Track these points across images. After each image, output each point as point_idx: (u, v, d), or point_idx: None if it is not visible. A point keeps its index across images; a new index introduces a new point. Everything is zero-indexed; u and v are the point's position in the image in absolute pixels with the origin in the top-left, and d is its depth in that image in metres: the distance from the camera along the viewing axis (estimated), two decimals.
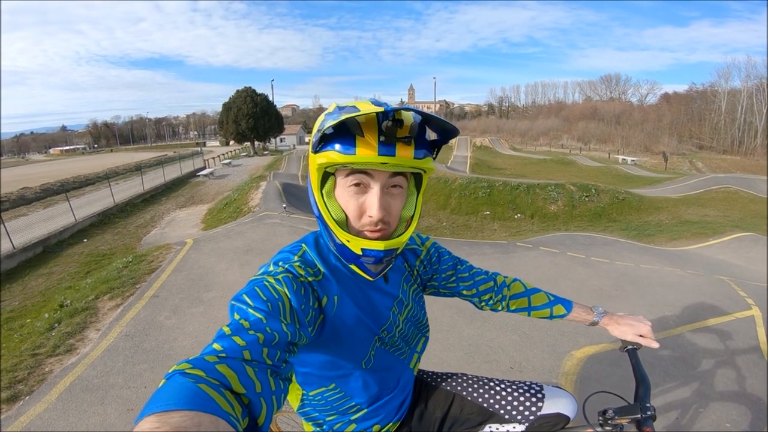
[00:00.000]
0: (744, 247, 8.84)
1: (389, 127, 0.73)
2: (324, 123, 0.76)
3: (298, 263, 0.87)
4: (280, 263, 0.86)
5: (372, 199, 0.81)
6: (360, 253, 0.83)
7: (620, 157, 42.41)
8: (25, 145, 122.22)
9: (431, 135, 0.85)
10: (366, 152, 0.74)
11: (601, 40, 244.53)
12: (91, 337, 3.92)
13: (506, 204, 15.87)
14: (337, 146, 0.76)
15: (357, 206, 0.82)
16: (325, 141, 0.77)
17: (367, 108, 0.75)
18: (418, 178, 0.91)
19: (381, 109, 0.71)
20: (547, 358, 3.33)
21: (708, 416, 2.61)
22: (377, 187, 0.80)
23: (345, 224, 0.84)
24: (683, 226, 11.65)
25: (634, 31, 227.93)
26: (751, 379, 2.97)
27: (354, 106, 0.78)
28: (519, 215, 15.27)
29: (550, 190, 16.07)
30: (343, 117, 0.71)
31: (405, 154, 0.77)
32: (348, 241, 0.82)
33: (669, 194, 17.46)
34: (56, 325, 4.28)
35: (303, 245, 0.93)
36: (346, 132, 0.75)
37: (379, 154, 0.75)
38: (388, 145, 0.75)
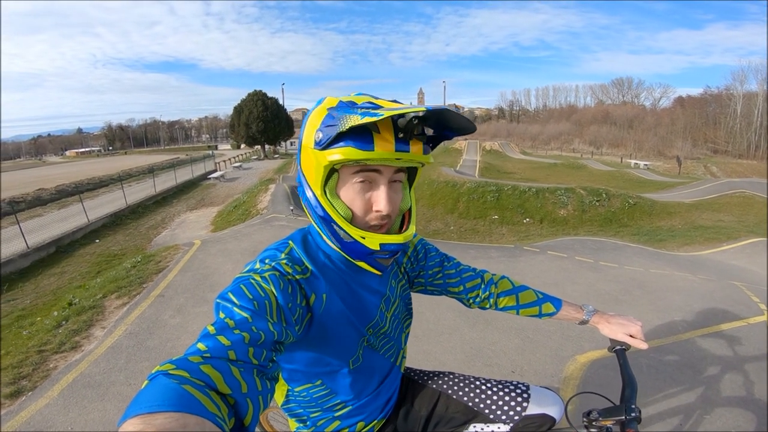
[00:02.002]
0: (759, 252, 8.63)
1: (409, 125, 0.74)
2: (342, 120, 0.73)
3: (285, 261, 0.85)
4: (267, 261, 0.85)
5: (380, 194, 0.81)
6: (378, 248, 0.83)
7: (633, 161, 41.83)
8: (42, 147, 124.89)
9: (428, 130, 0.85)
10: (384, 149, 0.74)
11: (613, 43, 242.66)
12: (96, 335, 3.96)
13: (515, 208, 15.76)
14: (354, 143, 0.74)
15: (364, 201, 0.82)
16: (338, 138, 0.75)
17: (390, 105, 0.76)
18: (412, 171, 0.92)
19: (423, 108, 0.70)
20: (549, 362, 3.28)
21: (713, 422, 2.54)
22: (385, 182, 0.81)
23: (350, 221, 0.83)
24: (696, 231, 11.44)
25: (648, 34, 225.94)
26: (759, 385, 2.90)
27: (375, 103, 0.77)
28: (528, 220, 15.15)
29: (559, 194, 15.92)
30: (387, 114, 0.69)
31: (417, 150, 0.78)
32: (363, 238, 0.82)
33: (682, 199, 17.17)
34: (64, 322, 4.34)
35: (290, 242, 0.92)
36: (362, 128, 0.74)
37: (396, 150, 0.75)
38: (404, 141, 0.76)
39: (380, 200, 0.81)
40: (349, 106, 0.77)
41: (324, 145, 0.76)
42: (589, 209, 15.22)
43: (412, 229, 0.89)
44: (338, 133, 0.73)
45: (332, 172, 0.81)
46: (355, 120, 0.70)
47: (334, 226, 0.82)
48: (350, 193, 0.82)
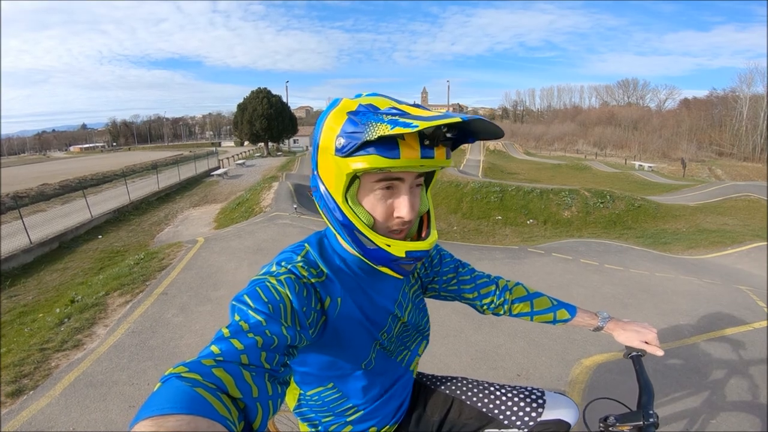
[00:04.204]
0: (764, 256, 8.58)
1: (442, 132, 0.73)
2: (368, 127, 0.70)
3: (301, 264, 0.85)
4: (283, 263, 0.84)
5: (403, 201, 0.79)
6: (404, 256, 0.81)
7: (637, 163, 41.74)
8: (47, 142, 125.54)
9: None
10: (409, 156, 0.72)
11: (620, 44, 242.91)
12: (98, 333, 3.95)
13: (519, 209, 15.72)
14: (378, 150, 0.71)
15: (386, 207, 0.80)
16: (362, 145, 0.72)
17: (416, 111, 0.72)
18: (429, 173, 0.90)
19: (458, 119, 0.66)
20: (555, 366, 3.26)
21: (718, 426, 2.54)
22: (407, 188, 0.79)
23: (372, 227, 0.82)
24: (701, 235, 11.38)
25: (655, 35, 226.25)
26: (764, 390, 2.88)
27: (403, 111, 0.73)
28: (531, 221, 15.10)
29: (564, 195, 15.87)
30: (422, 126, 0.65)
31: (441, 155, 0.76)
32: (389, 246, 0.80)
33: (687, 202, 17.09)
34: (66, 320, 4.32)
35: (306, 245, 0.91)
36: (387, 136, 0.71)
37: (421, 157, 0.73)
38: (430, 148, 0.74)
39: (402, 207, 0.79)
40: (372, 112, 0.73)
41: (347, 152, 0.73)
42: (593, 211, 15.16)
43: (434, 234, 0.88)
44: (363, 141, 0.71)
45: (353, 178, 0.78)
46: (384, 129, 0.67)
47: (356, 233, 0.80)
48: (372, 200, 0.80)
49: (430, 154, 0.74)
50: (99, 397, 2.90)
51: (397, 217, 0.80)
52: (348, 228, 0.81)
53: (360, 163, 0.72)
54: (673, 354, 3.40)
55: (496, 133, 0.78)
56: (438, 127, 0.70)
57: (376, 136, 0.68)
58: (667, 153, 54.57)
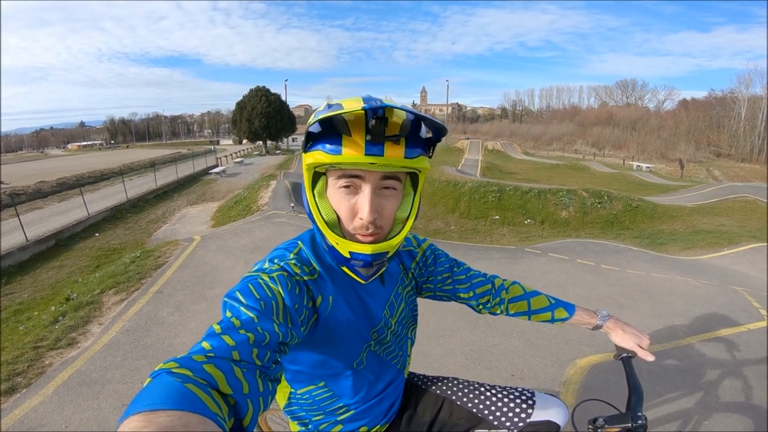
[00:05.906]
0: (760, 257, 8.58)
1: (375, 125, 0.71)
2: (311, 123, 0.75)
3: (293, 261, 0.85)
4: (276, 260, 0.85)
5: (363, 200, 0.78)
6: (348, 256, 0.81)
7: (635, 163, 41.80)
8: (45, 140, 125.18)
9: (426, 133, 0.81)
10: (353, 152, 0.72)
11: (620, 45, 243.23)
12: (93, 331, 3.94)
13: (516, 209, 15.72)
14: (325, 146, 0.73)
15: (348, 208, 0.79)
16: (313, 140, 0.75)
17: (351, 106, 0.71)
18: (414, 178, 0.88)
19: (361, 105, 0.68)
20: (549, 366, 3.26)
21: (711, 427, 2.54)
22: (368, 189, 0.78)
23: (337, 225, 0.81)
24: (698, 236, 11.39)
25: (655, 36, 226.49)
26: (758, 391, 2.89)
27: (339, 104, 0.74)
28: (529, 221, 15.11)
29: (561, 195, 15.87)
30: (326, 115, 0.69)
31: (394, 153, 0.74)
32: (337, 244, 0.81)
33: (684, 203, 17.12)
34: (61, 318, 4.31)
35: (299, 243, 0.92)
36: (333, 131, 0.73)
37: (366, 154, 0.72)
38: (375, 144, 0.72)
39: (362, 207, 0.78)
40: (327, 109, 0.76)
41: (305, 148, 0.78)
42: (591, 211, 15.17)
43: (393, 240, 0.83)
44: (308, 135, 0.75)
45: (320, 174, 0.81)
46: (309, 122, 0.72)
47: (318, 229, 0.82)
48: (336, 197, 0.80)
49: (378, 151, 0.73)
50: (92, 396, 2.89)
51: (360, 218, 0.79)
52: (313, 221, 0.83)
53: (310, 158, 0.76)
54: (667, 354, 3.40)
55: (434, 125, 0.77)
56: (379, 122, 0.71)
57: (307, 127, 0.74)
58: (665, 154, 54.69)
